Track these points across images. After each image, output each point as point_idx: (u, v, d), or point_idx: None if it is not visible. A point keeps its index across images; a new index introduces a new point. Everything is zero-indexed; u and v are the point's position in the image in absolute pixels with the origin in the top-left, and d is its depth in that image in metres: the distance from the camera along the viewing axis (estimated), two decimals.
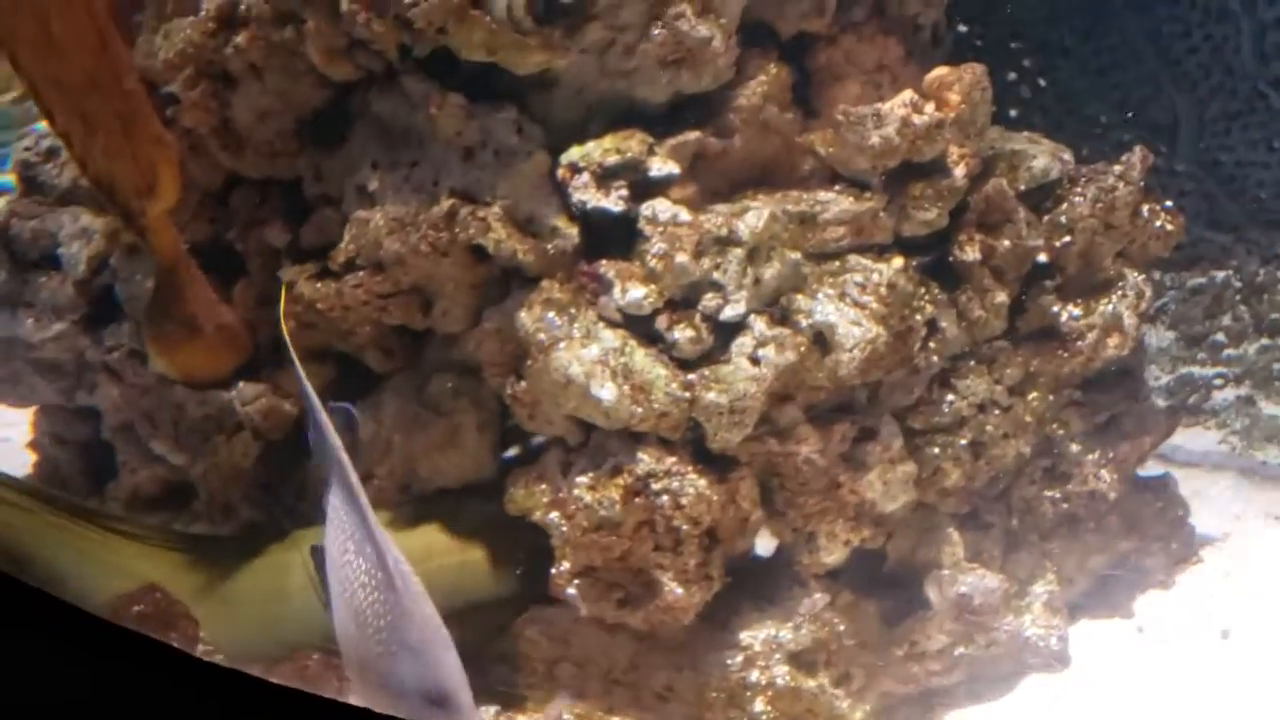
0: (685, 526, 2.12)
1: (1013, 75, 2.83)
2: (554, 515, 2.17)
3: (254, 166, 2.51)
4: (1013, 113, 2.83)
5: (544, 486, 2.22)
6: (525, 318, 2.21)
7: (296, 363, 1.91)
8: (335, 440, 1.73)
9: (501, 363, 2.27)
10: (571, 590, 2.16)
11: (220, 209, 2.60)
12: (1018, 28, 2.84)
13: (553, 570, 2.18)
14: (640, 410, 2.12)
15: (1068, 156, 2.51)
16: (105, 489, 2.76)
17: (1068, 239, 2.47)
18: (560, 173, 2.26)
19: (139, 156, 2.33)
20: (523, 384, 2.22)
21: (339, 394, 2.48)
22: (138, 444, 2.67)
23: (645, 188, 2.25)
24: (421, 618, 1.57)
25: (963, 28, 2.79)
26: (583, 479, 2.16)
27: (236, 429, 2.48)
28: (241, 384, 2.51)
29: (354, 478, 1.67)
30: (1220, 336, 3.15)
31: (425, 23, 2.18)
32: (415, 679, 1.53)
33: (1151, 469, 2.66)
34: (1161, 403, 2.77)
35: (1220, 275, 3.08)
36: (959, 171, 2.35)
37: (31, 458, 2.94)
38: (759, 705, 2.16)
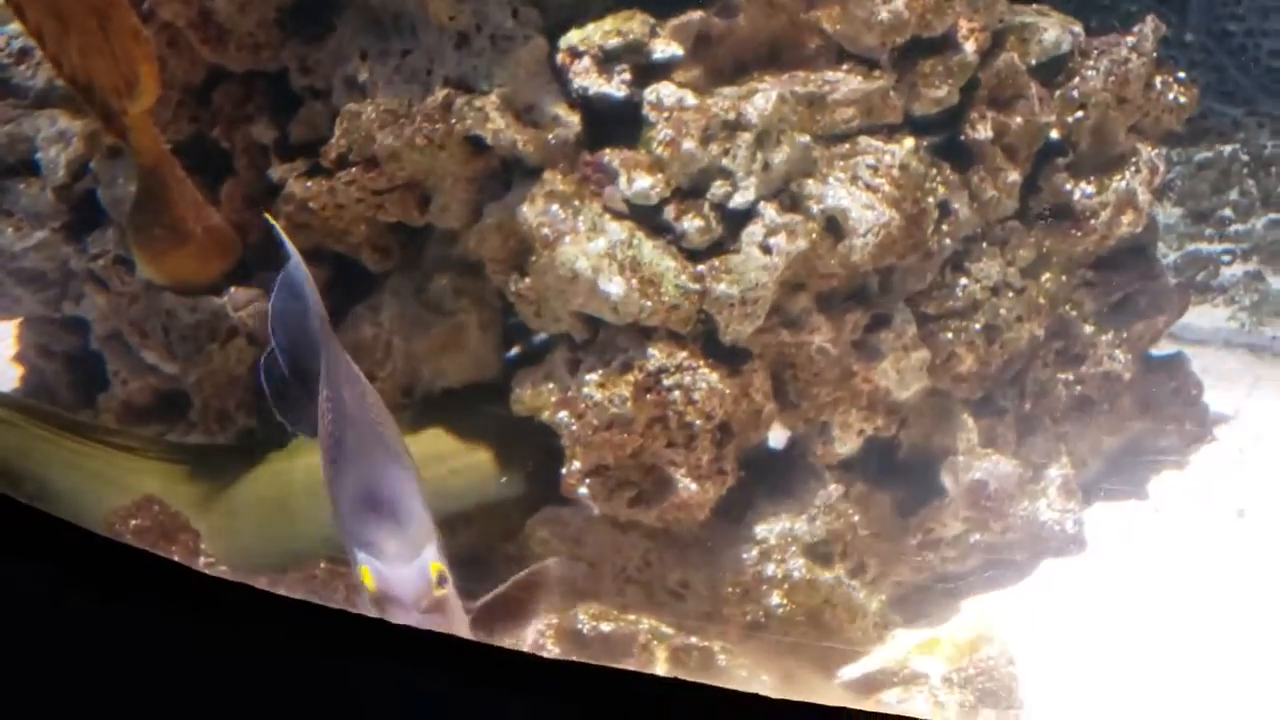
0: (698, 421, 2.08)
1: None
2: (563, 414, 2.13)
3: (237, 60, 2.41)
4: None
5: (552, 385, 2.17)
6: (528, 211, 2.14)
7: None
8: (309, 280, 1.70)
9: (504, 259, 2.21)
10: (583, 490, 2.13)
11: (203, 106, 2.51)
12: None
13: (563, 470, 2.14)
14: (650, 304, 2.07)
15: (1078, 29, 2.44)
16: (96, 401, 2.69)
17: (1080, 114, 2.40)
18: (559, 58, 2.17)
19: (117, 54, 2.24)
20: (527, 280, 2.16)
21: (335, 295, 2.43)
22: (128, 354, 2.60)
23: (648, 71, 2.17)
24: (362, 424, 1.53)
25: None
26: (592, 376, 2.11)
27: (230, 335, 2.42)
28: (233, 289, 2.44)
29: (322, 311, 1.70)
30: (1228, 212, 3.11)
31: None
32: (352, 485, 1.50)
33: (1163, 348, 2.63)
34: (1171, 280, 2.73)
35: (1227, 150, 3.02)
36: (969, 46, 2.27)
37: (17, 371, 2.87)
38: (775, 599, 2.15)
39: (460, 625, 1.44)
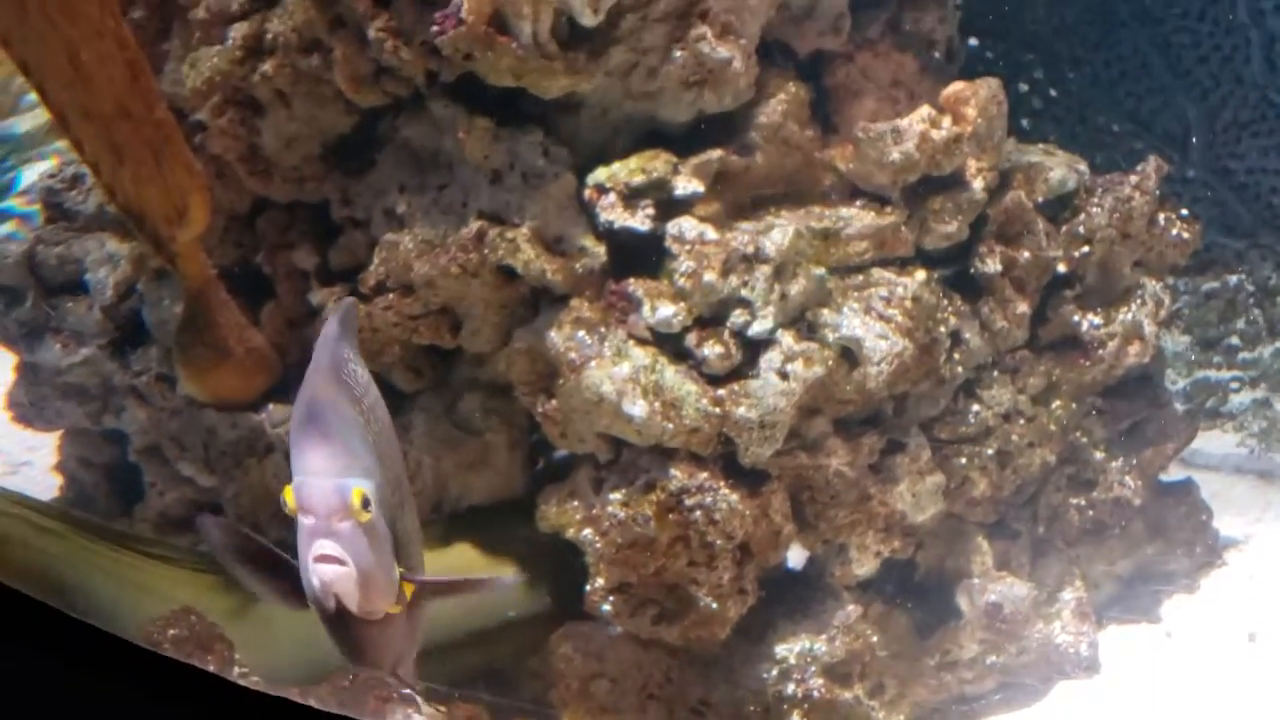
0: (719, 541, 2.15)
1: (1025, 86, 2.87)
2: (587, 532, 2.20)
3: (281, 191, 2.54)
4: (1025, 123, 2.86)
5: (576, 503, 2.24)
6: (556, 336, 2.24)
7: None
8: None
9: (532, 381, 2.30)
10: (606, 606, 2.19)
11: (248, 232, 2.63)
12: (1029, 40, 2.88)
13: (587, 586, 2.20)
14: (671, 426, 2.15)
15: (1083, 167, 2.55)
16: (132, 511, 2.78)
17: (1086, 249, 2.50)
18: (587, 193, 2.29)
19: (169, 184, 2.36)
20: (554, 402, 2.25)
21: None
22: (165, 466, 2.69)
23: (671, 206, 2.28)
24: (325, 371, 1.47)
25: (974, 41, 2.83)
26: (616, 495, 2.19)
27: (268, 450, 2.51)
28: (271, 406, 2.54)
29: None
30: (1235, 340, 3.18)
31: (453, 49, 2.21)
32: (296, 414, 1.45)
33: (1173, 473, 2.69)
34: (1180, 407, 2.80)
35: (1233, 279, 3.11)
36: (978, 185, 2.38)
37: (58, 481, 2.96)
38: (795, 718, 2.19)
39: (379, 563, 1.37)
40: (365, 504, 1.33)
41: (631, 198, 2.26)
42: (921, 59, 2.59)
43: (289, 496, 1.41)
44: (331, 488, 1.32)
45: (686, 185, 2.27)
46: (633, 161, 2.28)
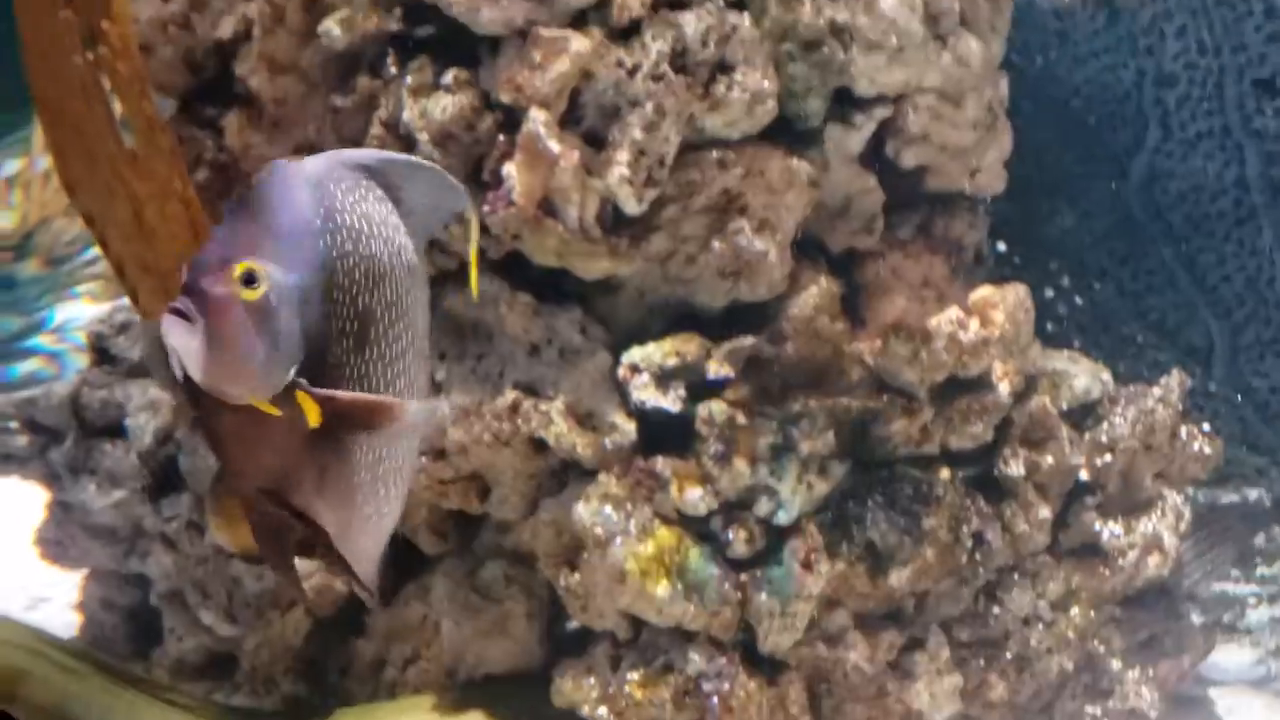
0: None
1: (1051, 293, 2.95)
2: (603, 710, 2.20)
3: None
4: (1051, 327, 2.94)
5: (593, 680, 2.25)
6: (582, 510, 2.28)
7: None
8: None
9: (556, 554, 2.33)
10: None
11: None
12: (1056, 248, 2.97)
13: None
14: (693, 609, 2.17)
15: (1107, 377, 2.61)
16: (150, 656, 2.79)
17: (1109, 458, 2.54)
18: (621, 372, 2.35)
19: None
20: (576, 576, 2.28)
21: (390, 571, 2.55)
22: (186, 612, 2.71)
23: (702, 389, 2.34)
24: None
25: (1002, 246, 2.92)
26: (633, 675, 2.20)
27: (290, 605, 2.53)
28: (296, 560, 2.57)
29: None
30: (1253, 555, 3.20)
31: (502, 229, 2.31)
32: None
33: (1190, 686, 2.67)
34: (1197, 619, 2.80)
35: (1253, 494, 3.14)
36: (1003, 388, 2.44)
37: (77, 619, 2.98)
38: None
39: (245, 342, 1.12)
40: (251, 280, 1.12)
41: (664, 379, 2.33)
42: (951, 261, 2.68)
43: None
44: (219, 252, 1.12)
45: (718, 370, 2.34)
46: (667, 344, 2.36)
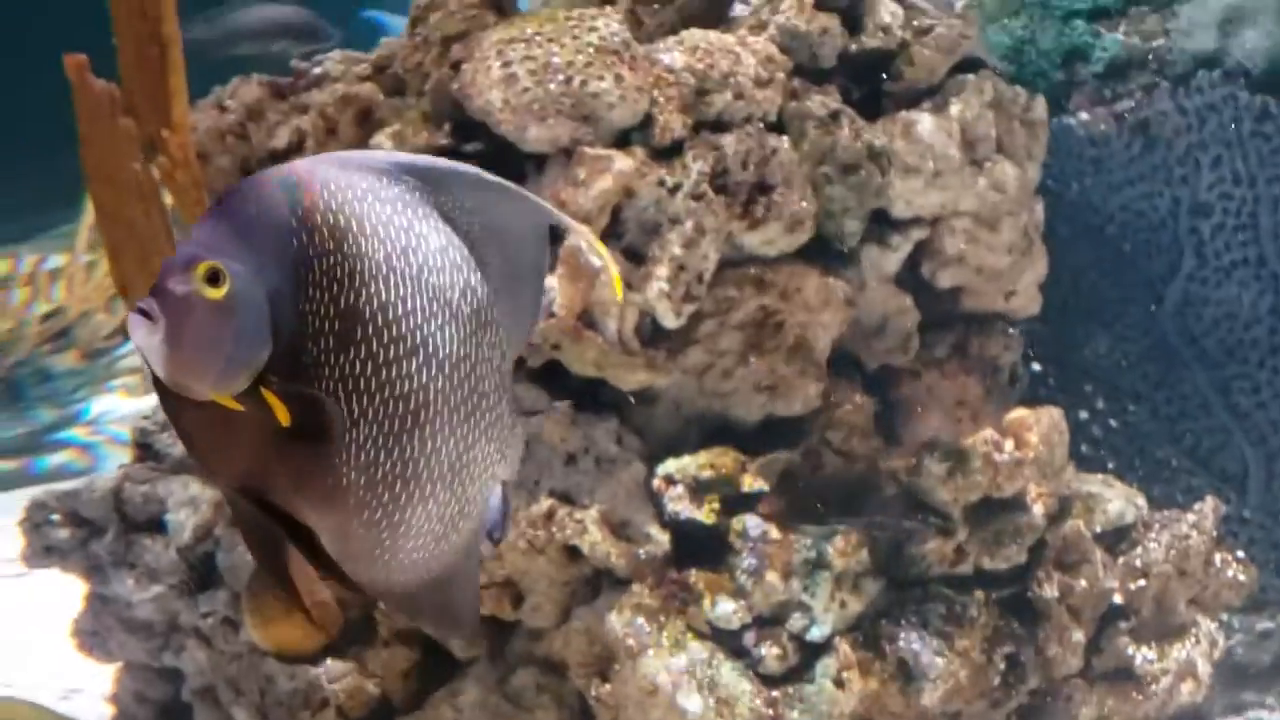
0: None
1: (1085, 415, 2.97)
2: None
3: None
4: (1085, 449, 2.95)
5: None
6: (615, 620, 2.29)
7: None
8: None
9: (588, 663, 2.34)
10: None
11: None
12: (1091, 371, 3.00)
13: None
14: None
15: (1141, 502, 2.61)
16: None
17: (1142, 582, 2.54)
18: (656, 483, 2.38)
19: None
20: (608, 687, 2.28)
21: (419, 678, 2.56)
22: (218, 709, 2.72)
23: (737, 502, 2.37)
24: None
25: (1037, 367, 2.95)
26: None
27: (321, 705, 2.54)
28: (329, 661, 2.59)
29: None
30: None
31: (542, 340, 2.36)
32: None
33: None
34: None
35: None
36: (1037, 510, 2.45)
37: (109, 711, 3.00)
38: None
39: (206, 340, 1.09)
40: (213, 279, 1.10)
41: (698, 491, 2.35)
42: (986, 382, 2.71)
43: None
44: (188, 253, 1.12)
45: (753, 484, 2.36)
46: (702, 456, 2.39)
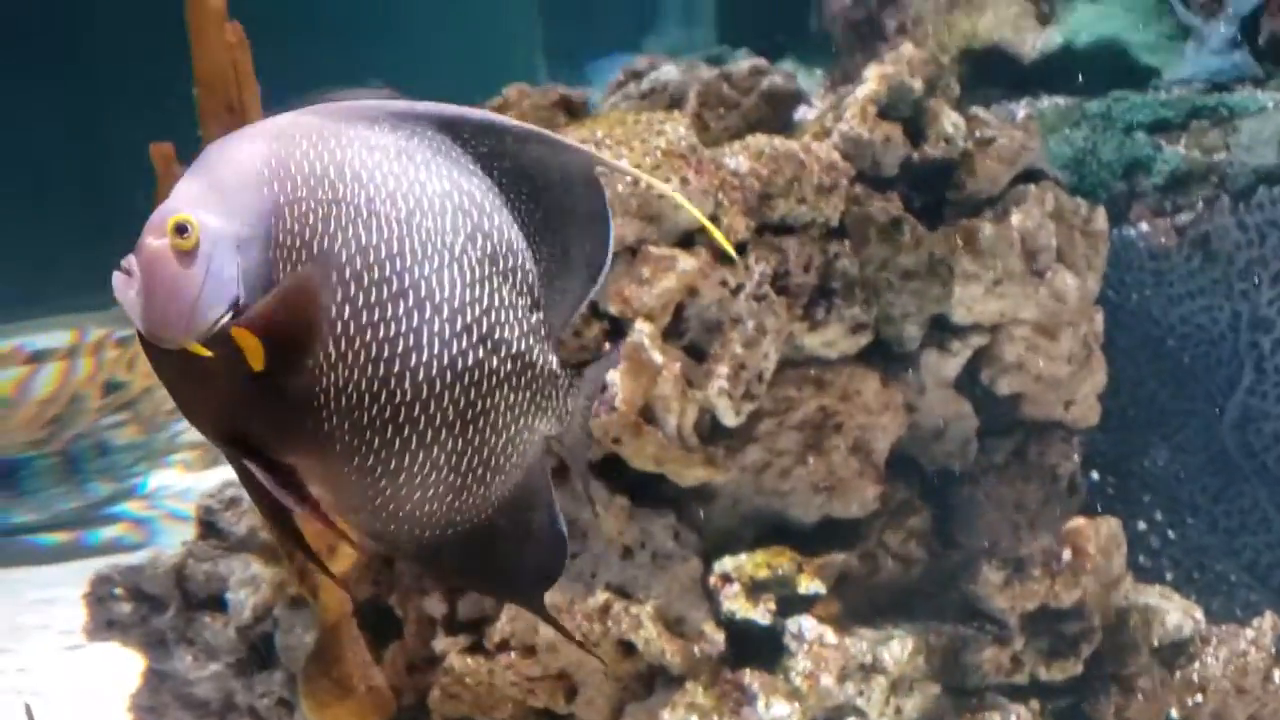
0: None
1: (1143, 526, 2.96)
2: None
3: None
4: (1142, 560, 2.93)
5: None
6: (667, 718, 2.29)
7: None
8: None
9: None
10: None
11: (385, 571, 2.77)
12: (1149, 482, 2.99)
13: None
14: None
15: (1199, 615, 2.59)
16: None
17: (1199, 697, 2.51)
18: (712, 580, 2.40)
19: (324, 523, 2.53)
20: None
21: None
22: None
23: (793, 603, 2.37)
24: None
25: (1095, 476, 2.95)
26: None
27: None
28: None
29: None
30: None
31: (603, 434, 2.40)
32: None
33: None
34: None
35: None
36: (1095, 621, 2.44)
37: None
38: None
39: (174, 288, 1.11)
40: (181, 231, 1.12)
41: (755, 591, 2.37)
42: (1044, 489, 2.71)
43: None
44: (163, 208, 1.14)
45: (809, 585, 2.37)
46: (759, 555, 2.40)
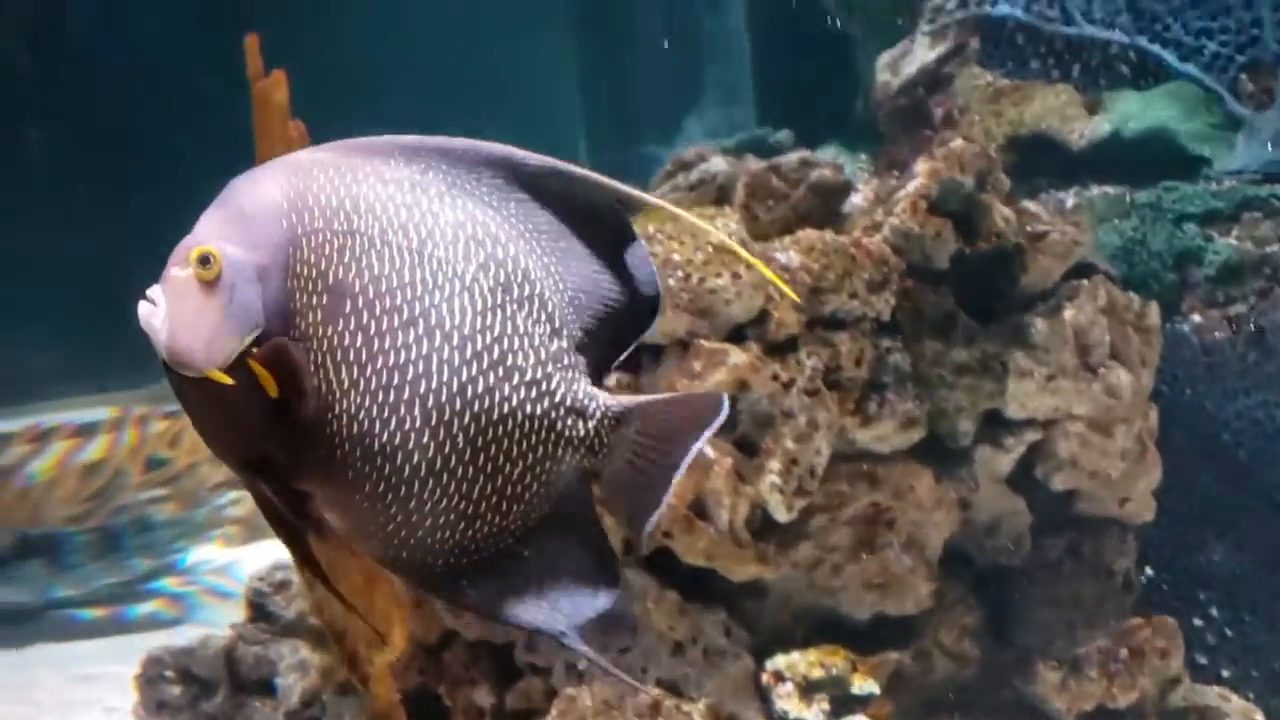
0: None
1: (1199, 622, 2.91)
2: None
3: (471, 627, 2.69)
4: (1199, 658, 2.88)
5: None
6: None
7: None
8: None
9: None
10: None
11: (432, 661, 2.76)
12: (1206, 579, 2.95)
13: None
14: None
15: (1259, 718, 2.54)
16: None
17: None
18: (765, 678, 2.38)
19: (375, 609, 2.53)
20: None
21: None
22: None
23: (846, 702, 2.35)
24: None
25: (1150, 572, 2.91)
26: None
27: None
28: None
29: None
30: None
31: (654, 528, 2.39)
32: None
33: None
34: None
35: None
36: None
37: None
38: None
39: (195, 318, 1.14)
40: (205, 262, 1.15)
41: (808, 690, 2.34)
42: (1100, 586, 2.67)
43: None
44: (187, 240, 1.18)
45: (863, 685, 2.35)
46: (812, 654, 2.38)
